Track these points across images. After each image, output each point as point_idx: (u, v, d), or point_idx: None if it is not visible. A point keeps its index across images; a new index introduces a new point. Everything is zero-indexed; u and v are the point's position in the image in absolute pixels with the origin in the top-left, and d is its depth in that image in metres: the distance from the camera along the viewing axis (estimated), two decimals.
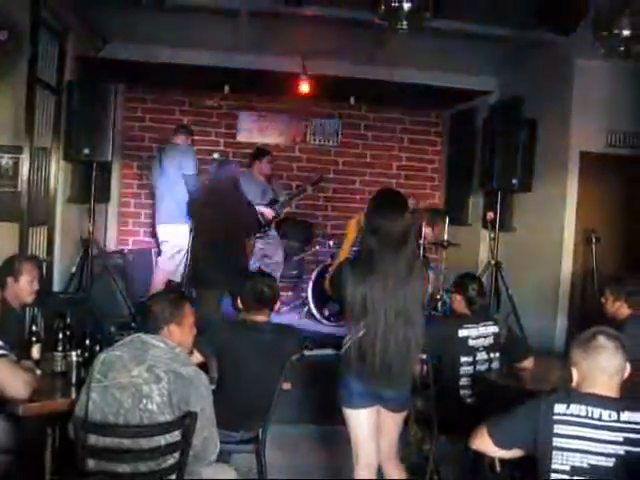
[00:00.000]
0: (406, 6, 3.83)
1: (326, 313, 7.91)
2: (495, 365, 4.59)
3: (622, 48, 3.92)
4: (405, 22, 3.90)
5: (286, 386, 4.61)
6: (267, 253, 8.46)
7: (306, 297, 8.27)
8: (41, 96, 6.28)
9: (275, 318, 7.48)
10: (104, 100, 6.77)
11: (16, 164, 6.06)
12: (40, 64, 6.11)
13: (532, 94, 7.58)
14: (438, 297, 8.16)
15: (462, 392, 4.52)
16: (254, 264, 8.13)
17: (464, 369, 4.51)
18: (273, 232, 8.54)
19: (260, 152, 8.57)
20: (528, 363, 4.65)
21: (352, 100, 9.12)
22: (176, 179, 7.45)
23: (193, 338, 3.43)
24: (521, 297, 7.11)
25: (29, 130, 5.97)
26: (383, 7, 3.93)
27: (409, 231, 3.71)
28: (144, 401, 2.98)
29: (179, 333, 3.23)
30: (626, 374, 2.80)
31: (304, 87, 8.02)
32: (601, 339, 2.75)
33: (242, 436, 4.19)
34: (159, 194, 7.75)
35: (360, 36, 6.56)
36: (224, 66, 7.86)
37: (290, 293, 9.24)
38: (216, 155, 7.52)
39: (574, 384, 2.80)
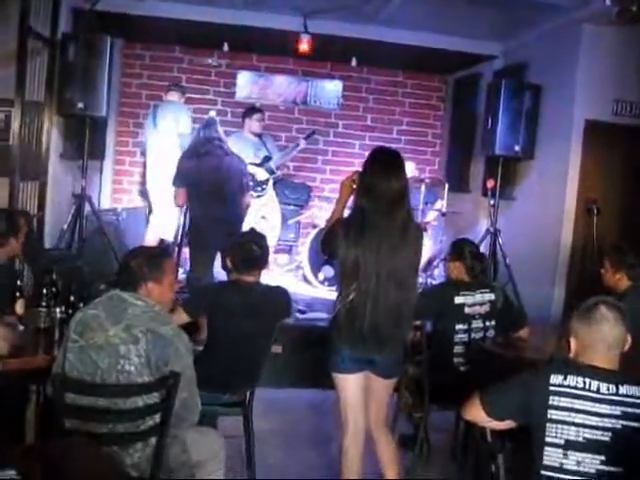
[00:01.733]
0: None
1: (321, 277, 7.83)
2: (490, 333, 4.51)
3: (635, 8, 3.78)
4: None
5: (277, 349, 4.55)
6: (264, 214, 8.36)
7: (301, 261, 8.19)
8: (34, 48, 6.13)
9: (270, 281, 7.49)
10: (100, 54, 6.63)
11: (8, 117, 5.95)
12: (33, 15, 5.95)
13: (537, 60, 7.44)
14: (435, 264, 8.10)
15: (456, 360, 4.45)
16: (250, 225, 8.04)
17: (459, 336, 4.44)
18: (271, 192, 8.42)
19: (250, 109, 8.41)
20: (524, 332, 4.59)
21: (354, 62, 8.96)
22: (169, 136, 7.31)
23: (173, 296, 3.31)
24: (519, 266, 7.03)
25: (20, 83, 5.85)
26: None
27: (405, 192, 3.58)
28: (121, 362, 2.87)
29: (158, 291, 3.10)
30: (627, 346, 2.70)
31: (305, 47, 7.84)
32: (603, 309, 2.65)
33: (229, 398, 4.11)
34: (151, 151, 7.61)
35: None
36: (224, 23, 7.71)
37: (286, 256, 9.14)
38: (212, 113, 7.36)
39: (572, 354, 2.71)
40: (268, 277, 7.74)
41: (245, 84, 9.55)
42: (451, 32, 7.80)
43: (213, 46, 8.87)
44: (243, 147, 8.07)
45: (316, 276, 7.89)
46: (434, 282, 7.51)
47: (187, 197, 6.21)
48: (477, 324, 4.47)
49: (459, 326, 4.43)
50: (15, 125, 5.89)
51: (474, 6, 6.71)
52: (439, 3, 6.73)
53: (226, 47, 8.58)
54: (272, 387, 5.66)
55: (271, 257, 8.38)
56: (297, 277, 8.29)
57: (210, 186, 6.06)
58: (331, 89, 9.70)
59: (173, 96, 7.72)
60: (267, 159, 8.24)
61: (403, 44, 7.97)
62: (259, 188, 8.19)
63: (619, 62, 6.63)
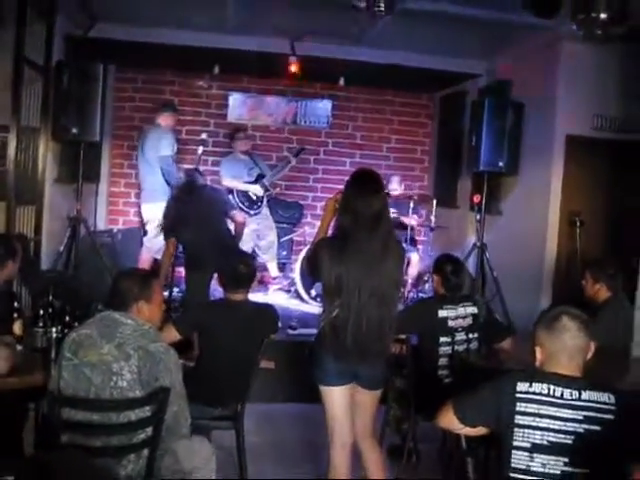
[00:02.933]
0: None
1: (313, 294, 7.96)
2: (473, 345, 4.63)
3: (599, 31, 3.94)
4: (382, 5, 3.92)
5: (269, 365, 4.69)
6: (260, 233, 8.54)
7: (294, 277, 8.33)
8: (29, 75, 6.27)
9: (263, 298, 7.64)
10: (93, 80, 6.81)
11: (4, 143, 6.10)
12: (28, 44, 6.10)
13: (519, 77, 7.61)
14: (425, 279, 8.23)
15: (440, 372, 4.56)
16: (248, 244, 8.23)
17: (443, 349, 4.55)
18: (266, 211, 8.62)
19: (234, 130, 8.73)
20: (506, 344, 4.71)
21: (342, 81, 9.13)
22: (154, 160, 7.46)
23: (162, 314, 3.46)
24: (506, 279, 7.18)
25: (16, 109, 6.01)
26: None
27: (384, 211, 3.74)
28: (114, 378, 3.02)
29: (148, 310, 3.26)
30: (590, 354, 2.85)
31: (293, 68, 8.04)
32: (565, 319, 2.79)
33: (221, 412, 4.25)
34: (141, 174, 7.78)
35: (348, 18, 6.56)
36: (214, 46, 7.87)
37: (279, 273, 9.29)
38: (204, 135, 7.56)
39: (538, 363, 2.85)
40: (261, 293, 7.99)
41: (236, 105, 9.72)
42: (436, 51, 7.96)
43: (204, 69, 9.04)
44: (236, 167, 8.32)
45: (308, 292, 8.01)
46: (423, 296, 7.64)
47: (176, 235, 6.37)
48: (460, 337, 4.58)
49: (443, 339, 4.54)
50: (11, 150, 6.03)
51: (458, 26, 6.85)
52: (423, 24, 6.85)
53: (217, 70, 8.74)
54: (265, 402, 5.81)
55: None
56: (290, 293, 8.42)
57: (196, 220, 6.21)
58: (320, 108, 9.87)
59: (162, 118, 7.84)
60: (260, 177, 8.45)
61: (389, 64, 8.12)
62: (255, 206, 8.39)
63: (598, 78, 6.79)
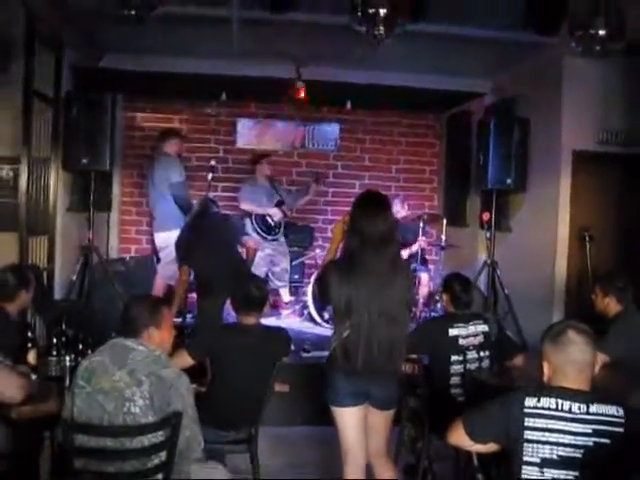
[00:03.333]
0: (382, 12, 3.90)
1: (326, 316, 7.97)
2: (485, 364, 4.62)
3: (598, 47, 3.98)
4: (382, 28, 3.97)
5: (284, 388, 4.71)
6: (274, 259, 8.59)
7: (306, 300, 8.35)
8: (38, 107, 6.40)
9: (276, 322, 7.67)
10: (101, 110, 6.89)
11: (16, 174, 6.19)
12: (37, 76, 6.21)
13: (525, 95, 7.66)
14: (437, 298, 8.24)
15: (453, 391, 4.56)
16: (262, 269, 8.29)
17: (454, 368, 4.55)
18: (282, 239, 8.68)
19: (259, 156, 8.79)
20: (518, 361, 4.71)
21: (348, 104, 9.19)
22: (165, 189, 7.52)
23: (172, 340, 3.49)
24: (518, 296, 7.19)
25: (27, 141, 6.11)
26: (360, 13, 4.00)
27: (391, 232, 3.78)
28: (127, 404, 3.05)
29: (158, 336, 3.30)
30: (597, 368, 2.86)
31: (299, 93, 8.10)
32: (570, 333, 2.80)
33: (235, 436, 4.27)
34: (152, 203, 7.84)
35: (352, 41, 6.64)
36: (220, 73, 7.95)
37: (291, 297, 9.32)
38: (213, 162, 7.62)
39: (545, 378, 2.86)
40: (274, 317, 8.02)
41: (244, 131, 9.81)
42: (440, 72, 8.00)
43: (212, 96, 9.10)
44: (256, 193, 8.37)
45: (321, 315, 8.02)
46: (435, 315, 7.65)
47: (189, 263, 6.43)
48: (472, 355, 4.57)
49: (454, 357, 4.54)
50: (22, 182, 6.13)
51: (461, 46, 6.91)
52: (427, 45, 6.90)
53: (224, 97, 8.82)
54: (280, 425, 5.82)
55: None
56: (303, 317, 8.44)
57: (208, 247, 6.28)
58: (328, 132, 9.94)
59: (170, 146, 7.91)
60: (280, 203, 8.51)
61: (395, 85, 8.17)
62: (272, 232, 8.44)
63: (602, 92, 6.83)
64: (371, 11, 3.92)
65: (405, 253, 8.17)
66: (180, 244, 6.48)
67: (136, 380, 3.07)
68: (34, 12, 5.96)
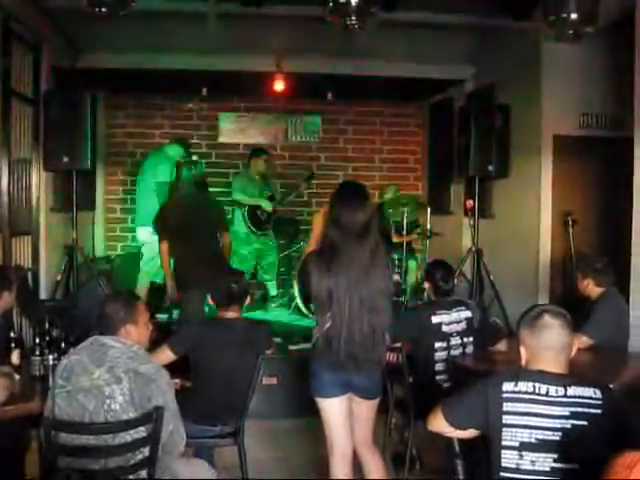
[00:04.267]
0: (354, 1, 3.90)
1: (313, 308, 7.96)
2: (469, 349, 4.64)
3: (571, 32, 3.99)
4: (354, 18, 3.97)
5: (271, 380, 4.72)
6: (262, 253, 8.60)
7: (293, 292, 8.35)
8: (17, 107, 6.36)
9: (264, 315, 7.68)
10: (81, 109, 6.84)
11: None
12: (14, 76, 6.19)
13: (504, 80, 7.64)
14: (424, 287, 8.25)
15: (438, 377, 4.58)
16: (250, 262, 8.30)
17: (438, 354, 4.57)
18: (270, 233, 8.67)
19: (256, 150, 8.74)
20: (502, 346, 4.75)
21: (329, 96, 9.20)
22: (151, 183, 7.52)
23: (149, 335, 3.50)
24: (503, 282, 7.22)
25: (6, 142, 6.08)
26: (331, 3, 4.00)
27: (370, 222, 3.78)
28: (107, 402, 3.06)
29: (135, 332, 3.31)
30: (574, 351, 2.87)
31: (280, 86, 8.12)
32: (546, 317, 2.81)
33: (221, 430, 4.28)
34: (138, 196, 7.83)
35: (329, 32, 6.64)
36: (200, 68, 7.95)
37: (279, 290, 9.33)
38: (195, 157, 7.61)
39: (523, 362, 2.88)
40: (261, 309, 8.03)
41: (227, 126, 9.83)
42: (421, 60, 8.00)
43: (193, 91, 9.11)
44: (248, 187, 8.33)
45: (308, 307, 8.02)
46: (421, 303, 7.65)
47: (170, 243, 6.38)
48: (455, 341, 4.59)
49: (438, 344, 4.56)
50: (4, 182, 6.10)
51: (440, 33, 6.95)
52: (407, 33, 6.93)
53: (205, 92, 8.82)
54: (268, 418, 5.84)
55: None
56: (290, 309, 8.45)
57: (190, 229, 6.23)
58: (311, 124, 9.98)
59: (172, 149, 7.91)
60: (271, 198, 8.50)
61: (376, 75, 8.21)
62: (263, 227, 8.43)
63: (582, 76, 6.86)
64: (342, 1, 3.93)
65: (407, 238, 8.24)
66: (160, 220, 6.45)
67: (115, 377, 3.08)
68: (10, 11, 5.92)
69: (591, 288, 4.91)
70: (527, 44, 6.97)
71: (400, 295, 7.81)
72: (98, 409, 3.06)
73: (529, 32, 6.46)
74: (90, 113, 6.88)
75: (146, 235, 7.48)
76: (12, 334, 4.15)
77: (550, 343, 2.80)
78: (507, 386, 2.76)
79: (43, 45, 6.86)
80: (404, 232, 7.89)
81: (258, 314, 7.77)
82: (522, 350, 2.88)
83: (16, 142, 6.40)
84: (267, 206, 8.43)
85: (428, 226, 8.28)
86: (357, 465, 3.99)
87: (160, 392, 3.15)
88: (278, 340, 6.10)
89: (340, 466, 3.86)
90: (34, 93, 6.78)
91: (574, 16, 3.92)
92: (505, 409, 2.73)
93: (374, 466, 4.01)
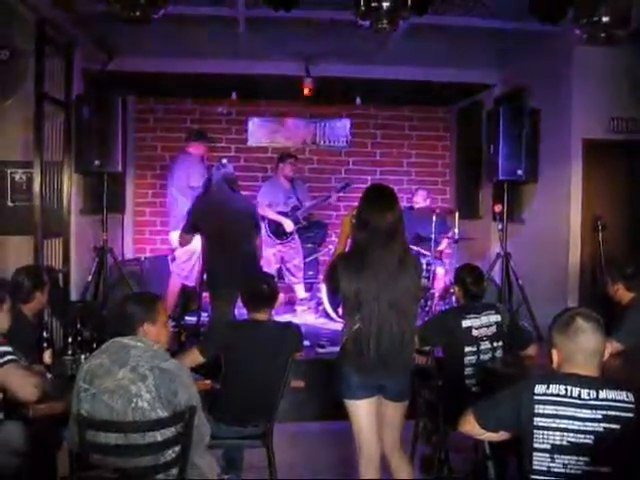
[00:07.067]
0: (385, 5, 3.91)
1: (340, 312, 7.96)
2: (499, 354, 4.63)
3: (603, 35, 3.97)
4: (386, 21, 3.98)
5: (299, 384, 4.73)
6: (285, 255, 8.60)
7: (321, 297, 8.37)
8: (49, 111, 6.43)
9: (291, 318, 7.69)
10: (112, 112, 6.93)
11: (29, 179, 6.25)
12: (47, 80, 6.25)
13: (534, 84, 7.63)
14: (452, 291, 8.23)
15: (467, 382, 4.57)
16: (274, 265, 8.32)
17: (468, 359, 4.55)
18: (294, 235, 8.68)
19: (284, 155, 8.78)
20: (532, 350, 4.72)
21: (358, 100, 9.23)
22: (184, 188, 7.56)
23: (169, 334, 3.54)
24: (532, 286, 7.18)
25: (38, 145, 6.15)
26: (363, 7, 4.01)
27: (398, 224, 3.79)
28: (134, 400, 3.09)
29: (155, 331, 3.36)
30: (606, 354, 2.86)
31: (309, 90, 8.14)
32: (579, 321, 2.81)
33: (251, 431, 4.30)
34: (170, 201, 7.89)
35: (359, 36, 6.66)
36: (230, 72, 8.02)
37: (306, 293, 9.34)
38: (224, 160, 7.63)
39: (555, 365, 2.87)
40: (289, 313, 8.05)
41: (256, 130, 9.88)
42: (449, 64, 8.01)
43: (223, 95, 9.19)
44: (275, 193, 8.39)
45: (336, 311, 8.03)
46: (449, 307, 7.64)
47: (202, 241, 6.42)
48: (485, 345, 4.58)
49: (468, 348, 4.54)
50: (36, 185, 6.17)
51: (468, 37, 6.91)
52: (434, 38, 6.91)
53: (234, 96, 8.89)
54: (296, 421, 5.85)
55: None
56: (318, 313, 8.46)
57: (222, 229, 6.25)
58: (339, 128, 9.99)
59: (195, 147, 7.95)
60: (296, 209, 8.52)
61: (404, 80, 8.22)
62: (284, 237, 8.45)
63: (612, 80, 6.78)
64: (374, 5, 3.94)
65: (441, 246, 8.24)
66: (191, 218, 6.48)
67: (140, 375, 3.11)
68: (43, 16, 6.00)
69: (621, 293, 4.87)
70: (557, 48, 6.92)
71: (428, 300, 7.81)
72: (125, 408, 3.09)
73: (559, 36, 6.43)
74: (121, 117, 6.96)
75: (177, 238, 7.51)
76: (45, 334, 4.19)
77: (583, 346, 2.79)
78: (539, 388, 2.75)
79: (75, 49, 6.93)
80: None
81: (284, 317, 7.79)
82: (554, 353, 2.87)
83: (48, 145, 6.46)
84: (289, 227, 8.44)
85: (456, 230, 8.27)
86: (385, 468, 4.00)
87: (185, 387, 3.19)
88: (306, 343, 6.10)
89: (369, 469, 3.88)
90: (66, 96, 6.85)
91: (606, 19, 3.90)
92: (537, 411, 2.73)
93: (402, 470, 4.02)
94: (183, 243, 6.64)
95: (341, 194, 9.19)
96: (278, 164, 8.65)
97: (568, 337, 2.81)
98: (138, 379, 3.11)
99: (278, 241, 8.46)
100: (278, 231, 8.43)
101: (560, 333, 2.85)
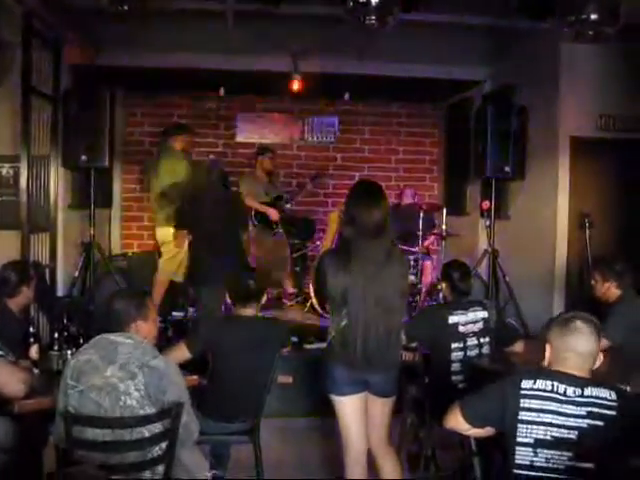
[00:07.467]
0: (373, 1, 3.91)
1: (328, 307, 7.96)
2: (485, 350, 4.63)
3: (591, 32, 3.98)
4: (374, 17, 3.98)
5: (287, 380, 4.73)
6: (274, 253, 8.59)
7: (308, 292, 8.36)
8: (37, 105, 6.40)
9: (279, 313, 7.68)
10: (100, 107, 6.92)
11: (16, 173, 6.22)
12: (34, 73, 6.23)
13: (522, 81, 7.63)
14: (439, 287, 8.24)
15: (454, 378, 4.57)
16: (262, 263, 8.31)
17: (455, 355, 4.55)
18: (281, 231, 8.67)
19: (262, 149, 8.78)
20: (518, 347, 4.74)
21: (346, 96, 9.22)
22: (167, 183, 7.52)
23: (157, 330, 3.53)
24: (519, 283, 7.21)
25: (26, 139, 6.12)
26: (351, 3, 4.01)
27: (385, 220, 3.79)
28: (122, 398, 3.07)
29: (145, 328, 3.35)
30: (598, 363, 2.88)
31: (297, 86, 8.13)
32: (578, 322, 2.83)
33: (238, 427, 4.30)
34: (154, 197, 7.84)
35: (347, 32, 6.65)
36: (218, 68, 7.97)
37: (294, 289, 9.33)
38: (212, 157, 7.63)
39: (545, 362, 2.89)
40: (276, 309, 8.04)
41: (244, 125, 9.85)
42: (438, 61, 7.98)
43: (211, 91, 9.14)
44: (254, 187, 8.35)
45: (323, 307, 8.02)
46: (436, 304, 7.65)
47: (191, 236, 6.41)
48: (472, 342, 4.57)
49: (455, 345, 4.54)
50: (23, 179, 6.16)
51: (458, 34, 6.90)
52: (424, 34, 6.90)
53: (222, 92, 8.86)
54: (283, 417, 5.85)
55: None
56: (305, 308, 8.46)
57: (211, 224, 6.24)
58: (327, 124, 9.97)
59: (179, 142, 7.89)
60: (279, 198, 8.51)
61: (393, 76, 8.19)
62: (273, 226, 8.43)
63: (600, 78, 6.81)
64: (362, 0, 3.94)
65: (428, 242, 8.26)
66: (182, 213, 6.45)
67: (129, 373, 3.10)
68: (30, 10, 5.96)
69: (612, 291, 4.87)
70: (545, 45, 6.94)
71: (415, 296, 7.82)
72: (113, 406, 3.08)
73: (548, 33, 6.44)
74: (108, 111, 6.93)
75: (165, 235, 7.49)
76: (31, 329, 4.17)
77: (576, 347, 2.81)
78: (526, 383, 2.77)
79: (63, 43, 6.90)
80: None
81: (272, 313, 7.78)
82: (547, 349, 2.89)
83: (35, 139, 6.43)
84: (274, 216, 8.41)
85: (444, 227, 8.28)
86: (372, 465, 4.00)
87: (173, 385, 3.19)
88: (294, 339, 6.11)
89: (355, 466, 3.87)
90: (54, 91, 6.82)
91: (594, 16, 3.91)
92: (522, 405, 2.75)
93: (389, 466, 4.02)
94: (179, 244, 6.60)
95: (317, 182, 9.24)
96: (257, 157, 8.66)
97: (564, 335, 2.83)
98: (127, 377, 3.10)
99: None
100: (264, 221, 8.41)
101: (557, 331, 2.87)
